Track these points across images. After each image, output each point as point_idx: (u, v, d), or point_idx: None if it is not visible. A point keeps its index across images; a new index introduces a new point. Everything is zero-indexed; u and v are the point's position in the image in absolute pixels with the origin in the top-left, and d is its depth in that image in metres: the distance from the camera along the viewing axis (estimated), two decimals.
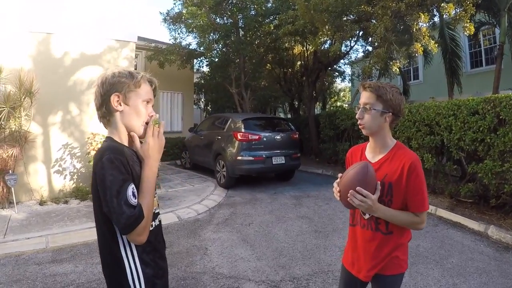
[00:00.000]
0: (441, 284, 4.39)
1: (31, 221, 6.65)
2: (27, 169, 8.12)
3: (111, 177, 1.52)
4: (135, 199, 1.58)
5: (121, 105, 1.72)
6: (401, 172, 2.07)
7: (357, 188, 1.99)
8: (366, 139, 8.47)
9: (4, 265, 4.94)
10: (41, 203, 7.85)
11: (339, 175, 2.20)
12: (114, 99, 1.71)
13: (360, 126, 2.20)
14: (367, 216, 2.21)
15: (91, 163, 1.97)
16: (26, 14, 8.15)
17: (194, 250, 5.49)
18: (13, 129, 7.71)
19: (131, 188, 1.56)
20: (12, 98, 7.59)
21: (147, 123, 1.78)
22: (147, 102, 1.79)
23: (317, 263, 4.99)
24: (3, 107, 7.41)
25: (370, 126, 2.16)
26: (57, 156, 8.53)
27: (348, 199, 2.02)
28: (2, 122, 7.52)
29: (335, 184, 2.20)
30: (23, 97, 7.76)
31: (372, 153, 2.29)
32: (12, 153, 7.36)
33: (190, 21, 13.80)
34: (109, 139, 1.74)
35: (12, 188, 7.38)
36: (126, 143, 1.76)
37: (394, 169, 2.10)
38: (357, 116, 2.20)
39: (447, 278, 4.54)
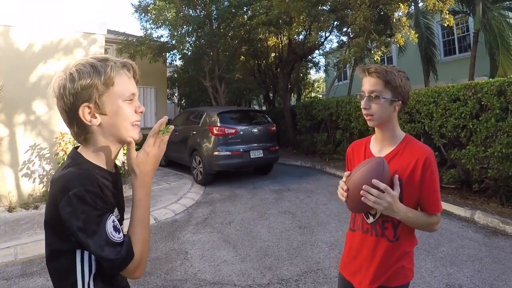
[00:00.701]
0: (435, 275, 4.24)
1: None
2: None
3: (83, 215, 1.17)
4: (119, 233, 1.25)
5: (96, 117, 1.30)
6: (414, 168, 1.79)
7: (373, 180, 1.69)
8: (344, 129, 8.37)
9: None
10: (10, 209, 7.41)
11: (346, 173, 1.90)
12: (83, 112, 1.28)
13: (366, 118, 1.90)
14: (370, 220, 1.93)
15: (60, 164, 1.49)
16: None
17: (174, 255, 5.18)
18: None
19: (110, 221, 1.23)
20: None
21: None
22: (131, 99, 1.36)
23: (305, 261, 4.75)
24: None
25: (380, 117, 1.86)
26: (25, 158, 8.02)
27: (362, 198, 1.71)
28: None
29: (341, 183, 1.89)
30: None
31: (378, 146, 2.00)
32: None
33: (157, 15, 13.56)
34: (75, 157, 1.35)
35: None
36: (105, 163, 1.39)
37: (405, 164, 1.83)
38: (362, 106, 1.88)
39: (441, 268, 4.41)
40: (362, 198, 1.71)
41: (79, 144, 1.41)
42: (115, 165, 1.51)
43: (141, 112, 1.40)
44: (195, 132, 10.26)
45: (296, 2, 11.19)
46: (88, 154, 1.36)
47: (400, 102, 1.86)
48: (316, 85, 30.94)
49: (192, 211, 7.36)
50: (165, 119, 1.40)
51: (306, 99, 23.37)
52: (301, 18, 11.94)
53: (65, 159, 1.40)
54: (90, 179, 1.24)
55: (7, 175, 7.83)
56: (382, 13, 11.43)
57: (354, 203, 1.81)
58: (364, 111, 1.89)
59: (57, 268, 1.32)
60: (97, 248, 1.19)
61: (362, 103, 1.88)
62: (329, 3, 12.53)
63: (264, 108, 21.98)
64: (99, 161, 1.37)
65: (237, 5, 14.31)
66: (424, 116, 7.78)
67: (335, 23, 13.71)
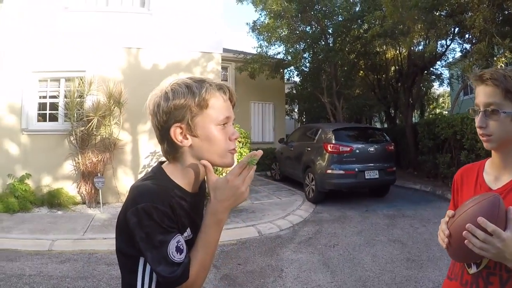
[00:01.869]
0: None
1: (112, 222, 6.88)
2: (115, 173, 8.70)
3: (147, 229, 1.19)
4: (181, 254, 1.22)
5: (187, 138, 1.29)
6: None
7: (479, 219, 1.27)
8: (470, 150, 7.07)
9: (77, 260, 5.35)
10: None
11: (449, 212, 1.48)
12: (175, 132, 1.27)
13: (482, 139, 1.50)
14: (472, 270, 1.50)
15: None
16: (117, 31, 8.78)
17: (269, 271, 5.15)
18: (103, 136, 8.38)
19: (175, 241, 1.21)
20: (101, 107, 8.19)
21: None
22: (225, 123, 1.32)
23: None
24: (93, 116, 8.04)
25: (499, 138, 1.45)
26: (145, 162, 8.94)
27: (465, 241, 1.30)
28: (94, 130, 8.17)
29: (442, 225, 1.48)
30: (113, 107, 8.35)
31: (495, 173, 1.56)
32: (102, 158, 8.19)
33: (267, 34, 14.19)
34: (157, 171, 1.36)
35: (100, 190, 7.98)
36: (186, 183, 1.35)
37: None
38: (477, 124, 1.49)
39: None
40: (466, 242, 1.31)
41: (165, 160, 1.41)
42: (202, 186, 1.47)
43: (235, 139, 1.35)
44: (309, 149, 10.19)
45: (409, 10, 10.50)
46: (171, 172, 1.35)
47: None
48: (441, 100, 28.88)
49: (297, 229, 7.27)
50: (259, 153, 1.29)
51: (430, 115, 21.83)
52: (418, 26, 11.16)
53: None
54: (162, 197, 1.23)
55: (127, 175, 8.86)
56: (506, 12, 10.12)
57: (458, 250, 1.43)
58: (479, 131, 1.49)
59: (122, 268, 1.38)
60: (153, 262, 1.20)
61: (477, 121, 1.49)
62: (445, 7, 11.52)
63: (385, 125, 20.99)
64: (181, 180, 1.34)
65: (350, 18, 14.08)
66: None
67: (456, 29, 12.55)
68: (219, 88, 1.31)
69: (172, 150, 1.32)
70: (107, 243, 5.88)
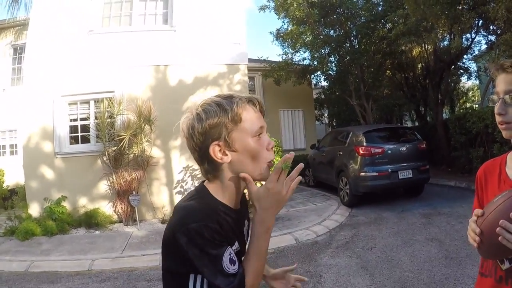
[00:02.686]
0: None
1: (150, 239, 7.08)
2: (150, 190, 8.81)
3: (200, 246, 1.22)
4: (234, 265, 1.26)
5: (226, 154, 1.30)
6: None
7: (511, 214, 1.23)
8: (502, 142, 6.75)
9: (116, 278, 5.42)
10: (163, 221, 8.37)
11: (477, 211, 1.41)
12: (214, 151, 1.29)
13: (500, 126, 1.45)
14: (505, 266, 1.43)
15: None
16: (142, 49, 8.97)
17: (307, 277, 5.00)
18: (136, 154, 8.49)
19: (227, 254, 1.25)
20: (132, 126, 8.33)
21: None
22: (259, 134, 1.34)
23: None
24: (124, 135, 8.17)
25: None
26: (179, 178, 9.07)
27: (500, 238, 1.25)
28: (126, 149, 8.30)
29: (472, 224, 1.42)
30: (143, 125, 8.47)
31: None
32: (136, 176, 8.29)
33: (291, 40, 14.36)
34: (201, 190, 1.39)
35: (136, 208, 8.12)
36: (229, 200, 1.37)
37: None
38: (496, 111, 1.44)
39: None
40: (500, 238, 1.25)
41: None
42: (244, 202, 1.51)
43: (272, 148, 1.37)
44: (341, 153, 10.15)
45: (431, 7, 10.35)
46: (214, 190, 1.37)
47: None
48: (470, 93, 28.17)
49: (334, 234, 7.23)
50: (291, 155, 1.30)
51: (461, 110, 21.31)
52: (442, 22, 10.98)
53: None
54: (209, 214, 1.27)
55: (162, 191, 9.01)
56: None
57: (490, 248, 1.38)
58: (498, 118, 1.45)
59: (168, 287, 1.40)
60: (211, 276, 1.23)
61: (496, 108, 1.44)
62: (467, 0, 11.33)
63: (416, 123, 20.60)
64: (224, 197, 1.37)
65: (373, 19, 14.03)
66: None
67: (479, 22, 12.28)
68: (249, 101, 1.34)
69: (213, 169, 1.34)
70: (146, 259, 5.97)
